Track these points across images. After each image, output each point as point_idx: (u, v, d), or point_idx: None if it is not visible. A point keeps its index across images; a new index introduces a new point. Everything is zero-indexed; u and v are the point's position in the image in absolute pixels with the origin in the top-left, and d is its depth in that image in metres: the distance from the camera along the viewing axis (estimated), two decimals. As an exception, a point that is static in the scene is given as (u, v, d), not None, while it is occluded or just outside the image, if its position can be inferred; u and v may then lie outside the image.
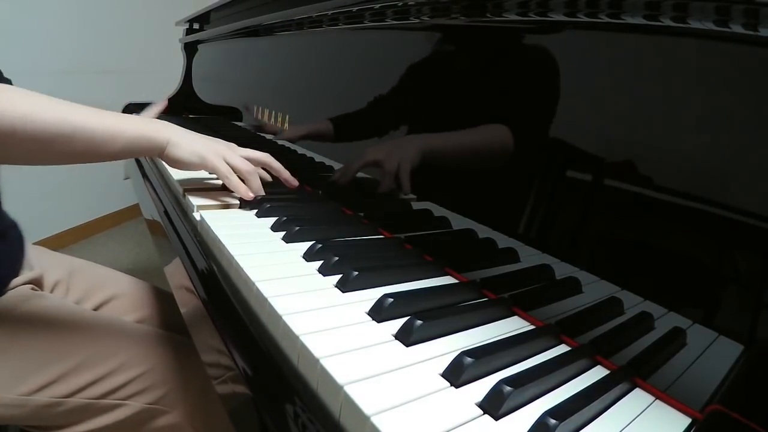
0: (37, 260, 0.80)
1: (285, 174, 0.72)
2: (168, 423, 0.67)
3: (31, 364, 0.63)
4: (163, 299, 0.93)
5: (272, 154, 0.71)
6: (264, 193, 0.67)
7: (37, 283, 0.76)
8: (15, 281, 0.70)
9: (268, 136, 0.99)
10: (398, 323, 0.38)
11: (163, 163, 0.87)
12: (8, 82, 0.97)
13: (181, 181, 0.75)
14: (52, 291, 0.82)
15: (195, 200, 0.65)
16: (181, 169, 0.67)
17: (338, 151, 0.78)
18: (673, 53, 0.37)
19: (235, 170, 0.66)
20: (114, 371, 0.65)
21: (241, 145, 0.70)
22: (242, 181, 0.65)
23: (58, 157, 0.57)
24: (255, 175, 0.67)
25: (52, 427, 0.65)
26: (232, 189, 0.65)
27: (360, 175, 0.70)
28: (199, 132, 0.68)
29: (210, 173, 0.71)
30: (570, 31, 0.44)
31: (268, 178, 0.72)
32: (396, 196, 0.62)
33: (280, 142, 0.94)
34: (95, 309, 0.86)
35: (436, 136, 0.59)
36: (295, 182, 0.73)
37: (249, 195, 0.64)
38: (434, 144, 0.59)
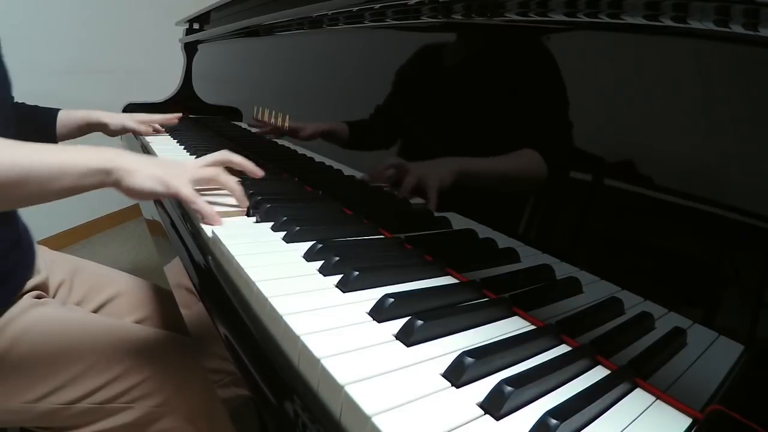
0: (42, 260, 0.80)
1: (248, 165, 0.71)
2: (171, 425, 0.67)
3: (35, 372, 0.63)
4: (164, 298, 0.93)
5: (272, 154, 0.71)
6: (240, 186, 0.65)
7: (43, 287, 0.76)
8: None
9: (268, 136, 0.99)
10: (399, 323, 0.38)
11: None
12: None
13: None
14: (56, 291, 0.82)
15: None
16: (141, 200, 0.63)
17: (338, 151, 0.78)
18: (673, 53, 0.37)
19: (203, 182, 0.64)
20: (119, 376, 0.65)
21: (241, 144, 0.70)
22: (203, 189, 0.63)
23: (12, 203, 0.55)
24: (221, 174, 0.64)
25: (57, 429, 0.66)
26: (200, 213, 0.60)
27: (361, 176, 0.70)
28: (200, 133, 0.68)
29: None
30: (570, 31, 0.44)
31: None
32: (391, 195, 0.62)
33: (280, 142, 0.94)
34: (98, 308, 0.86)
35: (459, 159, 0.56)
36: (260, 172, 0.71)
37: (217, 219, 0.59)
38: (459, 166, 0.56)
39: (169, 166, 0.62)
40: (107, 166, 0.57)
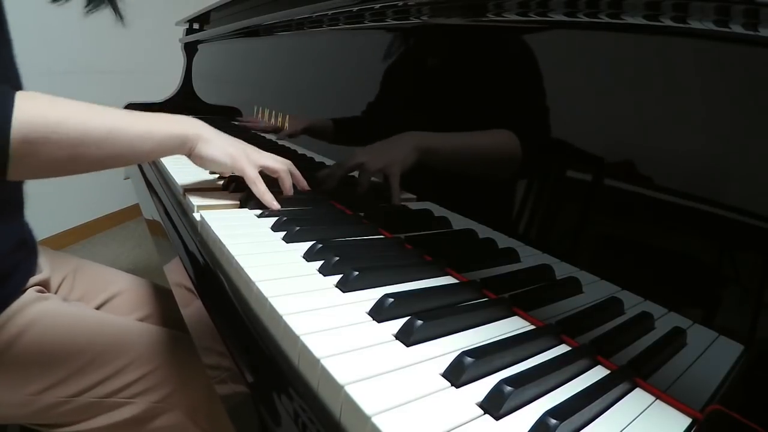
0: (43, 260, 0.80)
1: (303, 183, 0.73)
2: (173, 421, 0.67)
3: (38, 365, 0.63)
4: (164, 297, 0.93)
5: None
6: (291, 194, 0.68)
7: (44, 284, 0.76)
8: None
9: (268, 136, 0.99)
10: (399, 323, 0.38)
11: (164, 163, 0.87)
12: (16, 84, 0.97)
13: (182, 182, 0.75)
14: (57, 290, 0.82)
15: (195, 200, 0.65)
16: (206, 168, 0.66)
17: (339, 151, 0.78)
18: (673, 53, 0.37)
19: (268, 170, 0.66)
20: (120, 371, 0.65)
21: None
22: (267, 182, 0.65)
23: (88, 164, 0.56)
24: (288, 174, 0.68)
25: (57, 424, 0.66)
26: (257, 196, 0.64)
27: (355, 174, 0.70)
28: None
29: (228, 175, 0.70)
30: (570, 31, 0.44)
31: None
32: (387, 195, 0.62)
33: (280, 142, 0.94)
34: (98, 307, 0.86)
35: (432, 134, 0.59)
36: (307, 187, 0.74)
37: (274, 204, 0.63)
38: (430, 142, 0.59)
39: (242, 146, 0.66)
40: (187, 133, 0.61)
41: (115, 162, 0.58)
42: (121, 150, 0.56)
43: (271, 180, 0.68)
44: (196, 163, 0.65)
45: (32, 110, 0.50)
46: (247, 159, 0.64)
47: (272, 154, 0.70)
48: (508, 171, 0.49)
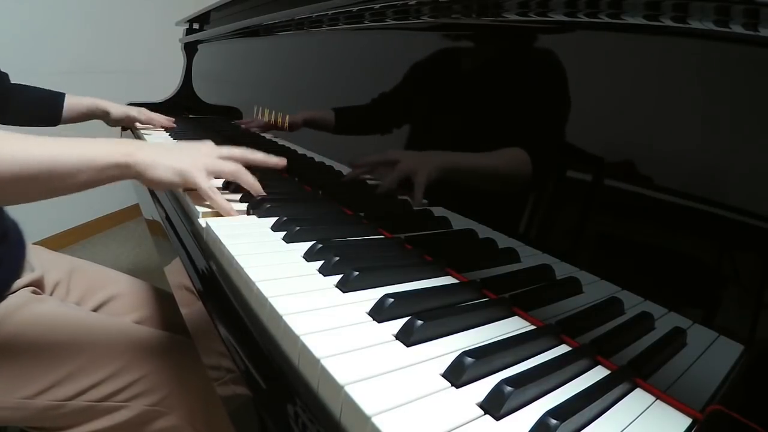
0: (38, 260, 0.80)
1: (271, 161, 0.69)
2: (168, 425, 0.67)
3: (32, 367, 0.63)
4: (163, 299, 0.93)
5: (272, 154, 0.71)
6: (263, 191, 0.65)
7: (38, 284, 0.76)
8: (17, 283, 0.70)
9: (268, 136, 0.99)
10: (399, 323, 0.38)
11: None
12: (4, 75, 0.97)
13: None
14: (52, 292, 0.82)
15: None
16: (160, 189, 0.63)
17: (339, 151, 0.78)
18: (673, 53, 0.37)
19: (222, 175, 0.64)
20: (115, 374, 0.65)
21: (240, 144, 0.70)
22: (230, 182, 0.63)
23: (28, 196, 0.54)
24: (243, 172, 0.64)
25: (52, 428, 0.65)
26: (215, 208, 0.61)
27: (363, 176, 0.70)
28: (199, 133, 0.68)
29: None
30: (569, 31, 0.44)
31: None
32: (391, 193, 0.62)
33: (280, 142, 0.94)
34: (95, 309, 0.86)
35: (448, 154, 0.57)
36: (282, 161, 0.69)
37: (232, 213, 0.61)
38: (447, 161, 0.56)
39: (188, 153, 0.62)
40: (127, 161, 0.58)
41: (53, 193, 0.55)
42: (58, 183, 0.54)
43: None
44: (147, 186, 0.62)
45: None
46: (198, 170, 0.60)
47: (222, 148, 0.66)
48: (508, 171, 0.49)
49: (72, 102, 1.13)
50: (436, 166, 0.56)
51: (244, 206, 0.65)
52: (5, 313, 0.65)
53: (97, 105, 1.18)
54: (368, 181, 0.68)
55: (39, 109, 1.08)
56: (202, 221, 0.58)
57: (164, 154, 0.61)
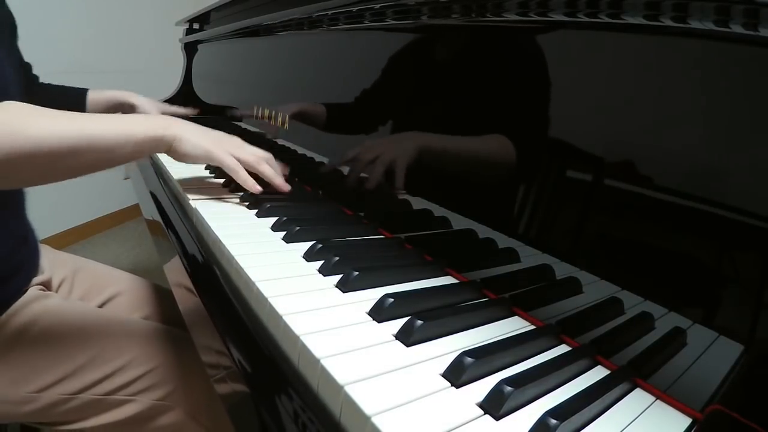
0: (45, 259, 0.80)
1: (277, 180, 0.69)
2: (175, 419, 0.67)
3: (40, 362, 0.63)
4: (164, 297, 0.93)
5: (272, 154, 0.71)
6: (285, 186, 0.68)
7: (46, 284, 0.76)
8: None
9: (268, 136, 0.99)
10: (399, 323, 0.38)
11: (163, 162, 0.87)
12: (34, 77, 0.96)
13: (181, 181, 0.75)
14: (57, 289, 0.82)
15: (192, 195, 0.65)
16: (187, 163, 0.67)
17: (339, 151, 0.78)
18: (673, 53, 0.37)
19: (244, 164, 0.66)
20: (122, 368, 0.65)
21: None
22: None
23: (68, 171, 0.56)
24: (264, 163, 0.67)
25: (60, 422, 0.66)
26: (240, 182, 0.65)
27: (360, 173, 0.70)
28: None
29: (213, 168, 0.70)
30: (570, 31, 0.44)
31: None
32: (389, 192, 0.62)
33: (280, 142, 0.94)
34: (99, 307, 0.86)
35: (435, 135, 0.59)
36: (287, 188, 0.70)
37: (257, 188, 0.65)
38: (433, 142, 0.58)
39: (218, 137, 0.67)
40: (164, 134, 0.62)
41: (94, 168, 0.58)
42: (100, 156, 0.57)
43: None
44: (174, 159, 0.66)
45: (9, 126, 0.50)
46: (223, 150, 0.65)
47: (253, 147, 0.69)
48: (508, 170, 0.49)
49: (93, 96, 1.10)
50: (415, 149, 0.59)
51: (244, 206, 0.65)
52: (14, 309, 0.65)
53: (119, 96, 1.13)
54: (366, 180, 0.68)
55: (61, 105, 1.06)
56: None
57: (194, 131, 0.66)
